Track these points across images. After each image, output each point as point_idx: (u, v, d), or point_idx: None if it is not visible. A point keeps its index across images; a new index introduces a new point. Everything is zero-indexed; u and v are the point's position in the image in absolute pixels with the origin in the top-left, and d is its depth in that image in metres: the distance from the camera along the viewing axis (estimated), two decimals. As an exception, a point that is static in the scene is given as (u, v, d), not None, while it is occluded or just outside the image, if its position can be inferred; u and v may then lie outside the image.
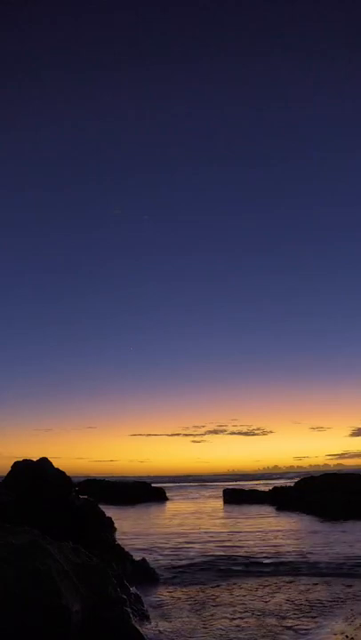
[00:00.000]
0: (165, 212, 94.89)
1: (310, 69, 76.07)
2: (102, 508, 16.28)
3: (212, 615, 8.30)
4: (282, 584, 10.53)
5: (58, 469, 14.51)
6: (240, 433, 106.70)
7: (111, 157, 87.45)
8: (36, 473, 14.02)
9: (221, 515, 26.97)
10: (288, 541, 16.04)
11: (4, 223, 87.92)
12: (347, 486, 26.61)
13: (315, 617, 8.10)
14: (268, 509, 28.51)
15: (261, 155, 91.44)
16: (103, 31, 70.28)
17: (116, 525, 14.78)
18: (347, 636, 7.11)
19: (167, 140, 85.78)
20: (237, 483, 64.37)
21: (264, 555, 13.69)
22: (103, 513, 15.81)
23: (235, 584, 10.67)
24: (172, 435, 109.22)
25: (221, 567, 12.34)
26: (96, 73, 78.74)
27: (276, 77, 77.03)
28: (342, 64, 72.02)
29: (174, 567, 12.39)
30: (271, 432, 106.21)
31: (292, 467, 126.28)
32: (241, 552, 14.19)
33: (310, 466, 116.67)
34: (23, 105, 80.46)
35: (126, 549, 12.20)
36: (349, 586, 10.18)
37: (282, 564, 12.53)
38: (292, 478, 56.86)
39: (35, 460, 14.54)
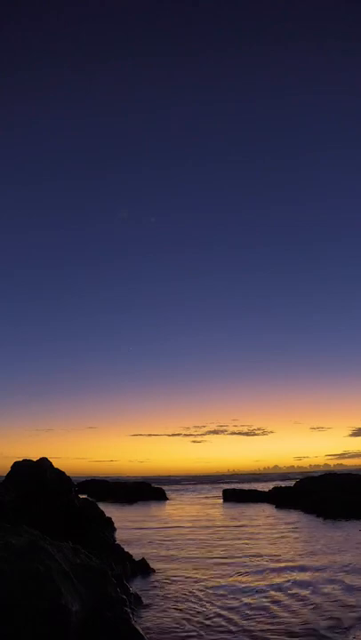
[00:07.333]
0: (166, 213, 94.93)
1: (322, 66, 76.04)
2: (102, 507, 16.27)
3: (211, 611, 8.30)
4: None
5: (58, 469, 14.50)
6: (240, 433, 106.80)
7: (115, 158, 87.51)
8: (35, 473, 14.01)
9: (220, 516, 26.91)
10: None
11: (6, 222, 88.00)
12: (347, 486, 26.61)
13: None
14: (267, 510, 28.44)
15: (267, 153, 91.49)
16: (105, 27, 70.32)
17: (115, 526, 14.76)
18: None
19: (171, 141, 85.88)
20: (238, 483, 64.38)
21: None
22: (103, 513, 15.80)
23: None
24: (173, 435, 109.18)
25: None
26: (97, 71, 78.78)
27: (280, 74, 77.04)
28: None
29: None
30: (271, 432, 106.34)
31: (292, 467, 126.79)
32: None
33: (310, 466, 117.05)
34: (24, 102, 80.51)
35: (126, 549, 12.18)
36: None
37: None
38: (292, 478, 56.89)
39: (35, 459, 14.54)
